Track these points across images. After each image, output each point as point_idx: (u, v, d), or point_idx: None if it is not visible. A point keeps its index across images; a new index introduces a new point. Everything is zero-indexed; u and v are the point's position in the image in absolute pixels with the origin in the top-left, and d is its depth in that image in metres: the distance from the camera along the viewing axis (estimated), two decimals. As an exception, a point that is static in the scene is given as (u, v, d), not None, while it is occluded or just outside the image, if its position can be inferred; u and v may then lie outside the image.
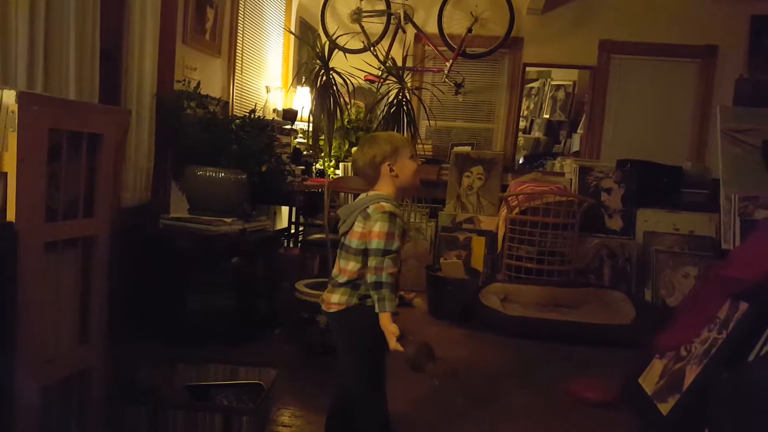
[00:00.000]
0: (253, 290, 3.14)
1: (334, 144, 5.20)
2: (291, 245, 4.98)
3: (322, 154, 4.40)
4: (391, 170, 1.85)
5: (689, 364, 2.38)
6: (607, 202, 4.58)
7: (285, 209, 5.21)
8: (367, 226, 1.79)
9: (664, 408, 2.31)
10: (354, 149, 5.41)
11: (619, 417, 2.49)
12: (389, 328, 1.73)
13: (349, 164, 5.39)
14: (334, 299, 1.86)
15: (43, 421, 1.38)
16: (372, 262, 1.76)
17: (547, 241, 4.16)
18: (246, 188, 3.24)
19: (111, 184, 1.72)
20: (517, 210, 4.27)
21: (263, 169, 3.51)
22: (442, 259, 4.49)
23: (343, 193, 4.90)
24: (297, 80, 4.97)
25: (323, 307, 1.90)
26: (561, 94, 6.77)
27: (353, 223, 1.84)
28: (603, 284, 4.31)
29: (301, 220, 5.17)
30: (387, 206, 1.79)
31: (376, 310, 1.75)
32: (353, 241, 1.83)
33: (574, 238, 4.25)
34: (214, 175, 3.14)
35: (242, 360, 1.99)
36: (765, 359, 2.11)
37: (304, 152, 5.04)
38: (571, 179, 4.76)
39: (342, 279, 1.85)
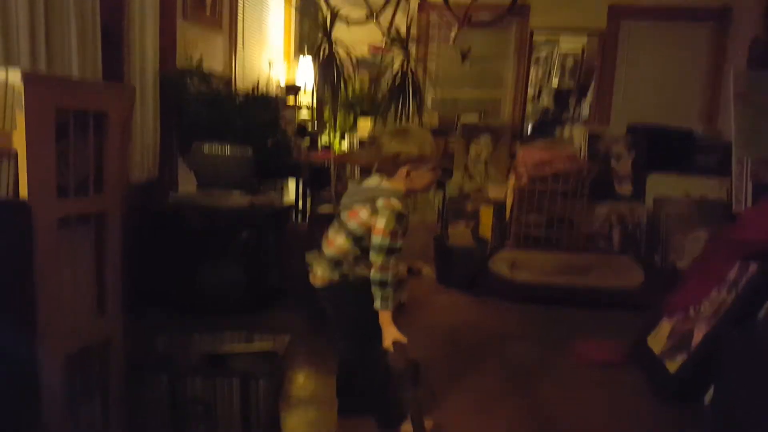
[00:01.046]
0: (264, 263, 3.19)
1: (338, 117, 5.19)
2: (299, 219, 5.02)
3: (327, 128, 4.40)
4: (408, 175, 1.85)
5: (698, 325, 2.40)
6: (617, 168, 4.55)
7: (292, 184, 5.23)
8: (373, 220, 1.81)
9: (672, 366, 2.34)
10: (360, 120, 5.40)
11: (627, 377, 2.52)
12: (389, 328, 1.78)
13: (355, 137, 5.39)
14: (319, 273, 1.91)
15: (66, 390, 1.43)
16: (378, 259, 1.78)
17: (556, 208, 4.16)
18: (252, 163, 3.26)
19: (119, 161, 1.74)
20: (525, 179, 4.26)
21: (269, 143, 3.52)
22: (450, 228, 4.50)
23: (349, 166, 4.91)
24: (299, 53, 4.94)
25: (311, 279, 1.96)
26: (569, 61, 6.68)
27: (355, 204, 1.87)
28: (612, 249, 4.31)
29: (309, 193, 5.19)
30: (397, 205, 1.80)
31: (377, 307, 1.80)
32: (351, 221, 1.86)
33: (584, 205, 4.24)
34: (220, 151, 3.16)
35: (256, 328, 2.04)
36: (772, 318, 2.12)
37: (309, 126, 5.04)
38: (580, 146, 4.72)
39: (328, 251, 1.90)
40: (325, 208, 3.96)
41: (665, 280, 3.52)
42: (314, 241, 2.89)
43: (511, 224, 4.33)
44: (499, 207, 4.67)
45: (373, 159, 1.94)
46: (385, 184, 1.88)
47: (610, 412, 2.20)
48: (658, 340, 2.59)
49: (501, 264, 3.87)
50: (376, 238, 1.79)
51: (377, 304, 1.80)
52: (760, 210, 2.71)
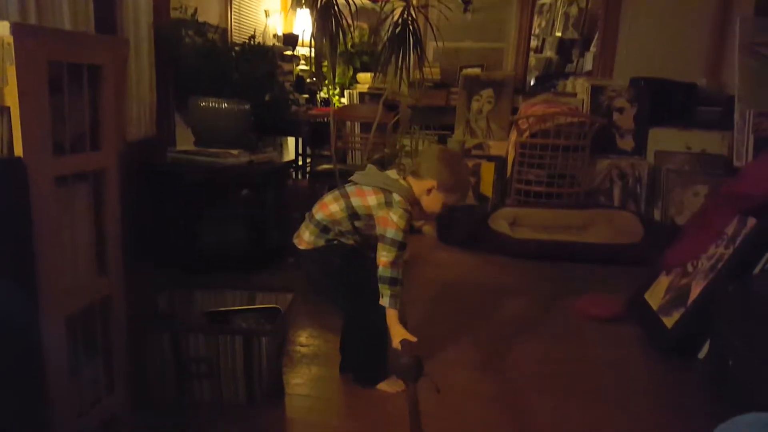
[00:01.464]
0: (264, 221, 3.18)
1: (338, 70, 5.09)
2: (299, 177, 5.00)
3: (326, 82, 4.32)
4: (428, 192, 1.87)
5: (695, 279, 2.41)
6: (619, 122, 4.50)
7: (291, 141, 5.19)
8: (385, 212, 1.80)
9: (669, 322, 2.36)
10: (360, 74, 5.30)
11: (625, 331, 2.56)
12: (397, 327, 1.76)
13: (354, 91, 5.31)
14: (305, 237, 1.92)
15: (68, 350, 1.45)
16: (390, 254, 1.77)
17: (557, 163, 4.13)
18: (250, 118, 3.22)
19: (115, 117, 1.71)
20: (527, 133, 4.22)
21: (266, 98, 3.47)
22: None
23: (349, 122, 4.86)
24: (296, 2, 4.80)
25: (295, 242, 1.97)
26: (573, 10, 6.50)
27: (366, 185, 1.86)
28: (612, 205, 4.31)
29: (309, 151, 5.15)
30: (408, 207, 1.83)
31: (386, 305, 1.78)
32: (356, 198, 1.86)
33: (585, 159, 4.21)
34: (217, 105, 3.11)
35: (258, 286, 2.06)
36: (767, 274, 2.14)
37: (308, 80, 4.95)
38: (583, 99, 4.66)
39: (318, 215, 1.90)
40: (325, 166, 3.94)
41: (665, 235, 3.53)
42: (315, 199, 2.87)
43: (511, 181, 4.32)
44: (500, 163, 4.64)
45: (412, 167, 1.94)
46: (403, 182, 1.88)
47: (607, 366, 2.24)
48: (655, 295, 2.61)
49: (501, 221, 3.87)
50: (390, 231, 1.78)
51: (386, 301, 1.78)
52: (759, 164, 2.69)
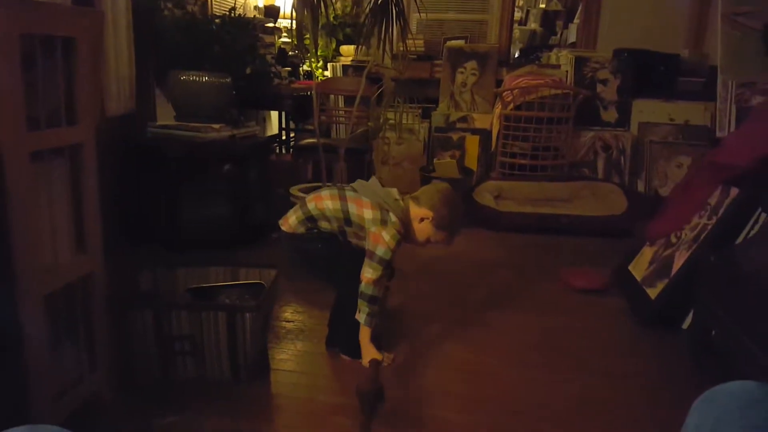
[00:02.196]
0: (247, 197, 3.15)
1: (320, 43, 5.01)
2: (283, 151, 4.94)
3: (309, 54, 4.25)
4: (421, 221, 1.89)
5: (678, 250, 2.44)
6: (603, 94, 4.50)
7: (275, 115, 5.12)
8: (379, 229, 1.82)
9: (653, 292, 2.39)
10: (343, 47, 5.22)
11: (609, 303, 2.59)
12: (368, 347, 1.81)
13: (338, 64, 5.24)
14: (290, 221, 1.94)
15: (48, 330, 1.42)
16: (376, 271, 1.79)
17: (541, 136, 4.13)
18: (231, 92, 3.16)
19: (91, 90, 1.67)
20: (511, 106, 4.20)
21: (248, 71, 3.40)
22: (435, 160, 4.47)
23: (333, 96, 4.79)
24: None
25: (280, 221, 1.99)
26: (557, -19, 6.45)
27: (365, 197, 1.88)
28: (596, 177, 4.33)
29: (292, 125, 5.09)
30: (401, 230, 1.85)
31: (362, 322, 1.82)
32: (352, 205, 1.87)
33: (569, 131, 4.21)
34: (197, 79, 3.05)
35: (241, 263, 2.03)
36: (750, 241, 2.16)
37: (290, 52, 4.87)
38: (567, 71, 4.63)
39: (311, 205, 1.91)
40: (308, 140, 3.89)
41: (648, 207, 3.56)
42: (299, 174, 2.83)
43: (496, 154, 4.31)
44: (485, 136, 4.63)
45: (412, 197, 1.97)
46: (404, 204, 1.91)
47: (592, 337, 2.26)
48: (639, 266, 2.64)
49: (486, 194, 3.88)
50: (381, 249, 1.80)
51: (362, 318, 1.81)
52: (740, 134, 2.71)
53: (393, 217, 1.85)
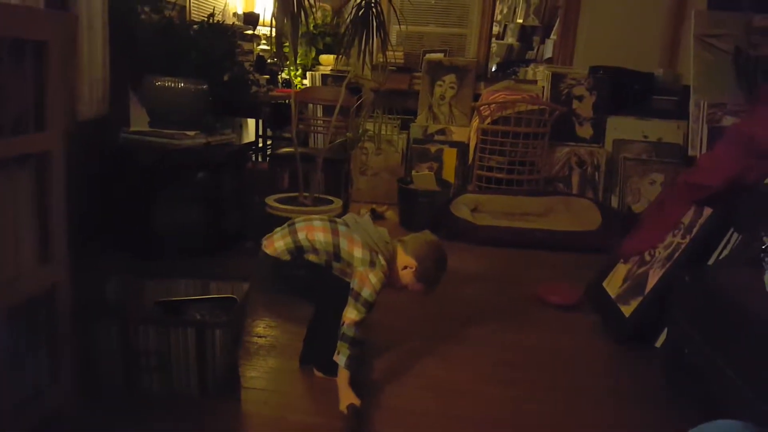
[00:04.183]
0: (222, 205, 3.10)
1: (300, 51, 4.98)
2: (260, 159, 4.89)
3: (288, 63, 4.22)
4: (404, 268, 1.90)
5: (652, 268, 2.46)
6: (579, 110, 4.55)
7: (252, 122, 5.06)
8: (366, 270, 1.80)
9: (627, 310, 2.40)
10: (323, 56, 5.20)
11: (583, 319, 2.59)
12: (347, 390, 1.75)
13: (317, 73, 5.21)
14: (277, 245, 1.88)
15: (10, 344, 1.36)
16: (360, 313, 1.77)
17: (517, 150, 4.16)
18: (208, 99, 3.12)
19: (61, 96, 1.61)
20: (488, 120, 4.23)
21: (225, 78, 3.36)
22: (413, 171, 4.46)
23: (311, 105, 4.76)
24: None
25: (263, 242, 1.94)
26: (535, -2, 6.52)
27: (357, 234, 1.85)
28: (571, 192, 4.37)
29: (269, 133, 5.04)
30: (387, 273, 1.84)
31: (342, 365, 1.77)
32: (345, 241, 1.85)
33: (545, 147, 4.25)
34: (173, 85, 2.99)
35: (213, 273, 1.98)
36: (722, 263, 2.19)
37: (269, 60, 4.83)
38: (543, 87, 4.69)
39: (302, 235, 1.87)
40: (286, 149, 3.86)
41: (622, 222, 3.60)
42: (275, 182, 2.78)
43: (473, 167, 4.33)
44: (462, 149, 4.64)
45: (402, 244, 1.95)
46: (393, 248, 1.90)
47: (566, 354, 2.26)
48: (613, 283, 2.65)
49: (463, 207, 3.88)
50: (366, 291, 1.78)
51: (342, 361, 1.77)
52: (713, 155, 2.75)
53: (381, 260, 1.83)
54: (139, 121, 3.25)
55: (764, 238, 1.67)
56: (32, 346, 1.47)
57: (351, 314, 1.77)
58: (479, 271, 3.21)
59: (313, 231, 1.87)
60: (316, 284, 1.89)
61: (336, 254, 1.85)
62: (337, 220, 1.94)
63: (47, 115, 1.53)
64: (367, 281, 1.79)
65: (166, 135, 2.90)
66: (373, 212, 4.11)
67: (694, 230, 2.38)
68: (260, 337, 2.21)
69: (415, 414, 1.78)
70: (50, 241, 1.52)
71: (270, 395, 1.84)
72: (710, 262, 2.26)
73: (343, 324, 1.78)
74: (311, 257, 1.87)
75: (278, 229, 1.95)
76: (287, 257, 1.87)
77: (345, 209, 3.50)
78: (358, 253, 1.82)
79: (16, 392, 1.40)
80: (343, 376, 1.77)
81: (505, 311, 2.64)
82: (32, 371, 1.47)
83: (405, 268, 1.90)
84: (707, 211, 2.38)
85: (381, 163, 4.64)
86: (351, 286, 1.81)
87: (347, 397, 1.73)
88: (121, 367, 1.65)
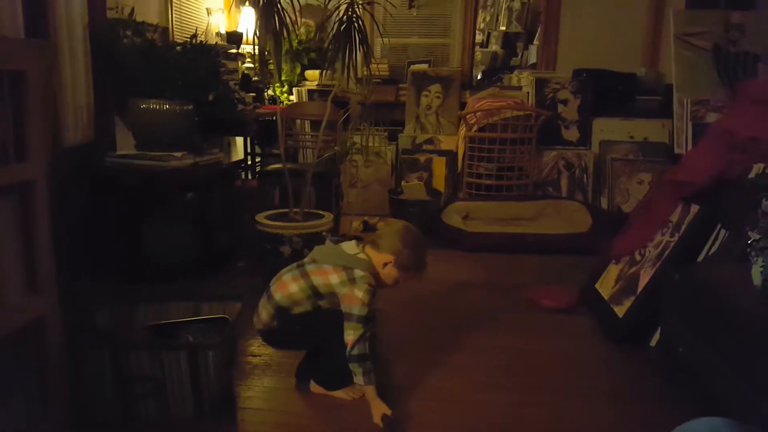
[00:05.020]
0: (212, 225, 3.09)
1: (284, 68, 5.00)
2: (249, 177, 4.89)
3: (273, 80, 4.23)
4: (384, 266, 1.88)
5: (643, 268, 2.47)
6: (564, 114, 4.58)
7: (240, 140, 5.07)
8: (349, 289, 1.79)
9: (620, 310, 2.41)
10: (308, 71, 5.21)
11: (578, 322, 2.59)
12: (376, 402, 1.76)
13: (303, 89, 5.23)
14: (263, 317, 1.90)
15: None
16: (357, 331, 1.76)
17: (505, 156, 4.18)
18: (194, 119, 3.12)
19: (42, 125, 1.61)
20: (475, 128, 4.24)
21: (210, 97, 3.36)
22: (403, 182, 4.48)
23: (299, 120, 4.77)
24: (240, 2, 4.69)
25: (254, 321, 1.94)
26: (517, 4, 6.59)
27: (326, 264, 1.84)
28: (560, 195, 4.39)
29: (258, 150, 5.04)
30: (372, 281, 1.82)
31: (362, 383, 1.78)
32: (317, 278, 1.84)
33: (532, 151, 4.27)
34: (158, 107, 2.99)
35: (206, 294, 1.97)
36: (711, 260, 2.20)
37: (254, 78, 4.84)
38: (528, 92, 4.72)
39: (278, 295, 1.87)
40: (274, 166, 3.86)
41: (612, 223, 3.62)
42: (264, 199, 2.76)
43: (463, 175, 4.34)
44: (451, 157, 4.66)
45: (372, 237, 1.94)
46: (363, 255, 1.87)
47: (562, 357, 2.26)
48: (606, 284, 2.66)
49: (454, 215, 3.89)
50: (356, 308, 1.77)
51: (360, 380, 1.77)
52: (697, 151, 2.77)
53: (359, 272, 1.82)
54: (125, 144, 3.25)
55: (749, 233, 1.68)
56: (22, 381, 1.45)
57: (350, 336, 1.77)
58: (473, 278, 3.21)
59: (285, 286, 1.87)
60: (313, 330, 1.88)
61: (316, 293, 1.85)
62: (305, 260, 1.93)
63: (28, 144, 1.52)
64: (353, 299, 1.78)
65: (152, 157, 2.89)
66: (365, 224, 4.11)
67: (683, 228, 2.39)
68: (254, 356, 2.20)
69: (421, 427, 1.77)
70: (38, 271, 1.51)
71: (267, 415, 1.82)
72: (699, 259, 2.27)
73: (347, 347, 1.78)
74: (297, 310, 1.87)
75: (260, 300, 1.94)
76: (274, 323, 1.88)
77: (336, 223, 3.50)
78: (334, 279, 1.82)
79: (4, 429, 1.38)
80: (369, 391, 1.78)
81: (501, 317, 2.64)
82: (23, 408, 1.46)
83: (385, 265, 1.88)
84: (694, 209, 2.39)
85: (371, 175, 4.65)
86: (342, 309, 1.80)
87: (379, 408, 1.74)
88: (115, 396, 1.64)
